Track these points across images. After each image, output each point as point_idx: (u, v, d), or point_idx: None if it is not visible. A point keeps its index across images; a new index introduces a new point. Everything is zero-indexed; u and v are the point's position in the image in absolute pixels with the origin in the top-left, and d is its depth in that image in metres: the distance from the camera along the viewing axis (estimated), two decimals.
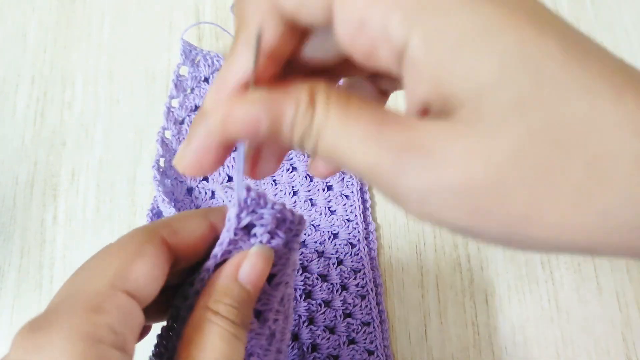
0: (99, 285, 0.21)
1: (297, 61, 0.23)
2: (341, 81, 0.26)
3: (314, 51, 0.23)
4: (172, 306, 0.25)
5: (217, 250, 0.25)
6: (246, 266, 0.24)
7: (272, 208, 0.24)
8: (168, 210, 0.42)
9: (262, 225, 0.24)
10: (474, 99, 0.17)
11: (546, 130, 0.17)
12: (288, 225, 0.25)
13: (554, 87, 0.17)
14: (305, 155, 0.44)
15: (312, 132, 0.19)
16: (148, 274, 0.22)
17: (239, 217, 0.24)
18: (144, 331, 0.26)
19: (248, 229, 0.24)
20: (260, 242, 0.25)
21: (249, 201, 0.24)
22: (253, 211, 0.24)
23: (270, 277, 0.26)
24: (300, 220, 0.26)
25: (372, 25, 0.18)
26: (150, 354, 0.25)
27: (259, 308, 0.26)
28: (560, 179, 0.17)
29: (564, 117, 0.17)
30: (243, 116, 0.19)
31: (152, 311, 0.24)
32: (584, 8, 0.52)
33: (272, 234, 0.25)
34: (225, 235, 0.24)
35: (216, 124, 0.19)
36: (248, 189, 0.24)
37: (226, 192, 0.24)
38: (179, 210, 0.42)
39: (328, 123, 0.19)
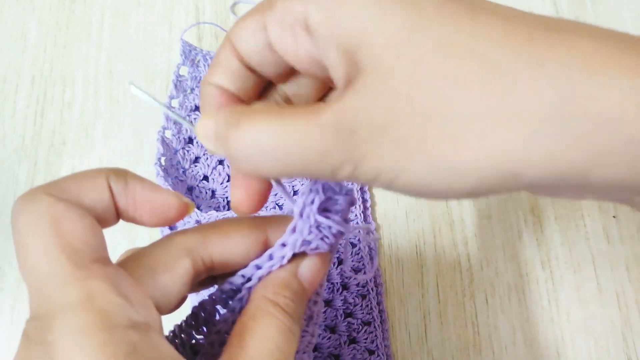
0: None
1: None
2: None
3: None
4: (220, 289, 0.25)
5: (294, 239, 0.23)
6: (307, 263, 0.24)
7: (346, 194, 0.23)
8: None
9: (336, 211, 0.24)
10: (365, 47, 0.18)
11: (437, 49, 0.18)
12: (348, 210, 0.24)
13: (434, 17, 0.18)
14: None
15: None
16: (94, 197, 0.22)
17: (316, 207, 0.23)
18: (180, 301, 0.26)
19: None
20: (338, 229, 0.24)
21: (325, 189, 0.23)
22: (329, 198, 0.23)
23: None
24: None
25: (288, 18, 0.20)
26: (182, 322, 0.25)
27: None
28: (466, 85, 0.17)
29: (449, 34, 0.18)
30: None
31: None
32: (584, 8, 0.52)
33: (346, 220, 0.24)
34: (305, 223, 0.23)
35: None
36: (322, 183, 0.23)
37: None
38: None
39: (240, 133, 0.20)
